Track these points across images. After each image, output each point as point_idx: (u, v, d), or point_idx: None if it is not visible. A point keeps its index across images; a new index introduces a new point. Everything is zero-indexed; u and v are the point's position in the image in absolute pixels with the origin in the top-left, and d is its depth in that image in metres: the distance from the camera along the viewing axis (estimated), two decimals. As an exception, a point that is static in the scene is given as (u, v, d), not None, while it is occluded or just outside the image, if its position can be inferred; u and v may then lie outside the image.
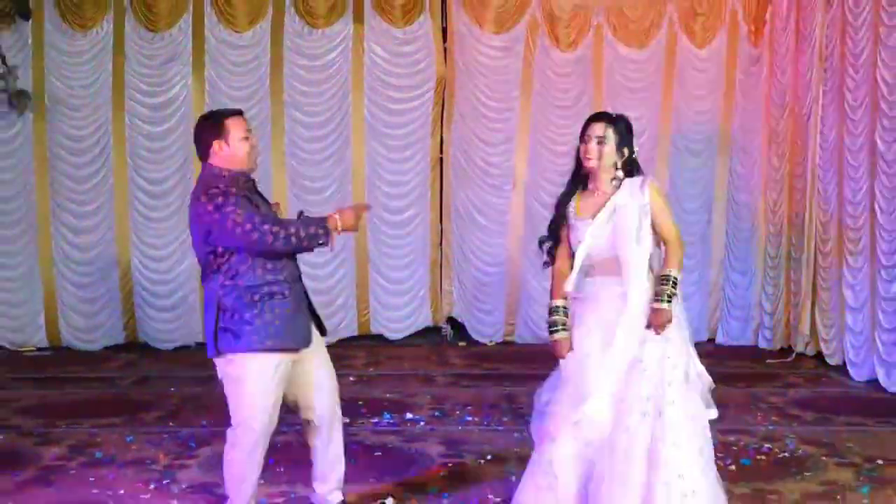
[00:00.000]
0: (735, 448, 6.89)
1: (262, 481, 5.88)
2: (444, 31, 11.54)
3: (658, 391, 4.73)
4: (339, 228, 4.81)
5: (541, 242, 5.22)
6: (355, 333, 11.55)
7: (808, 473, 6.31)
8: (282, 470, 6.19)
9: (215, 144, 4.88)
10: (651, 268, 4.89)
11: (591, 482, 4.75)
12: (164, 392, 8.93)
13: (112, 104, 11.18)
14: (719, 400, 8.16)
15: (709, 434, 4.90)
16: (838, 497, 5.83)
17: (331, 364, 5.19)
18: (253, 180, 5.06)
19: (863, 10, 9.21)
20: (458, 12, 11.47)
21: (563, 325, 4.97)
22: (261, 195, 5.05)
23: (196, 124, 5.07)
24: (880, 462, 6.44)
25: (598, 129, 4.91)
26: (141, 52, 11.17)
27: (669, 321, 4.75)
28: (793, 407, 8.19)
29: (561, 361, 4.97)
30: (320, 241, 4.79)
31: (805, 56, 10.33)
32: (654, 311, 4.75)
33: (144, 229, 11.27)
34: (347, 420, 7.34)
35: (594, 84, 11.54)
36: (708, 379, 4.98)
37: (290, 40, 11.31)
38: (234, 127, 4.90)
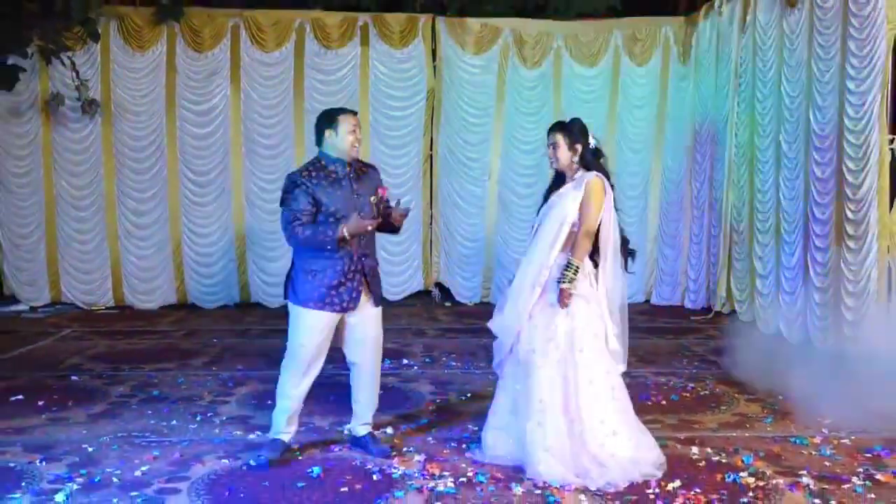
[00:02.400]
0: (665, 387, 6.91)
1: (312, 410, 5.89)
2: (434, 52, 11.50)
3: (569, 357, 4.78)
4: (347, 235, 4.84)
5: None
6: (362, 295, 11.55)
7: (723, 407, 6.34)
8: (334, 403, 6.19)
9: (327, 132, 5.02)
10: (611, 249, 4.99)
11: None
12: (209, 342, 8.91)
13: (165, 111, 11.13)
14: (653, 350, 8.23)
15: (621, 383, 4.93)
16: (747, 425, 5.86)
17: (376, 326, 5.16)
18: (353, 165, 5.07)
19: (770, 36, 9.20)
20: (445, 37, 11.45)
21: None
22: (358, 180, 5.03)
23: (318, 116, 5.15)
24: (781, 398, 6.46)
25: (551, 137, 5.04)
26: (189, 69, 11.12)
27: (569, 297, 4.77)
28: (712, 354, 8.21)
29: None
30: (327, 246, 4.87)
31: (723, 72, 10.31)
32: (560, 291, 4.79)
33: (192, 212, 11.25)
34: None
35: (554, 96, 11.55)
36: (616, 345, 4.95)
37: (309, 59, 11.27)
38: (343, 121, 4.99)
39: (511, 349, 4.99)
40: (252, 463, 4.99)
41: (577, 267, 4.79)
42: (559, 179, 5.09)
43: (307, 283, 4.95)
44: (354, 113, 5.11)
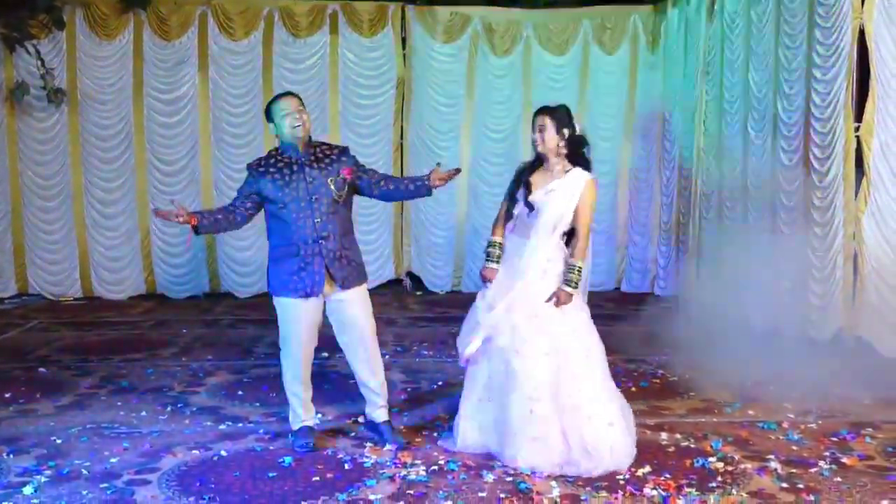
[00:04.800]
0: (636, 374, 6.96)
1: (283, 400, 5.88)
2: (404, 40, 11.48)
3: (568, 345, 4.77)
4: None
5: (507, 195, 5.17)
6: (333, 285, 11.49)
7: (692, 393, 6.38)
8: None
9: (270, 126, 5.05)
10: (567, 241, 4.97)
11: (500, 423, 4.83)
12: (178, 333, 8.86)
13: (133, 100, 11.04)
14: (624, 336, 8.26)
15: (608, 371, 4.94)
16: (716, 411, 5.92)
17: (353, 309, 5.08)
18: (312, 149, 5.05)
19: (738, 25, 9.24)
20: (414, 25, 11.43)
21: (497, 258, 5.07)
22: (315, 164, 5.00)
23: None
24: (748, 384, 6.51)
25: (539, 120, 4.95)
26: (156, 57, 11.03)
27: (569, 302, 4.81)
28: (682, 341, 8.25)
29: (479, 293, 5.10)
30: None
31: (692, 61, 10.36)
32: (562, 292, 4.81)
33: (160, 201, 11.12)
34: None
35: (524, 84, 11.55)
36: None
37: (278, 48, 11.21)
38: (276, 109, 4.98)
39: (489, 338, 4.93)
40: (297, 450, 5.02)
41: (580, 268, 4.85)
42: (536, 162, 5.05)
43: (274, 271, 5.03)
44: (292, 94, 5.07)
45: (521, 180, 5.03)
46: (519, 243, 4.98)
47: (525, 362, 4.74)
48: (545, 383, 4.71)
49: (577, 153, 4.97)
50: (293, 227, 4.93)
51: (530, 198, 4.93)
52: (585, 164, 4.98)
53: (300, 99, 5.08)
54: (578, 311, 4.90)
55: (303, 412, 5.17)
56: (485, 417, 4.96)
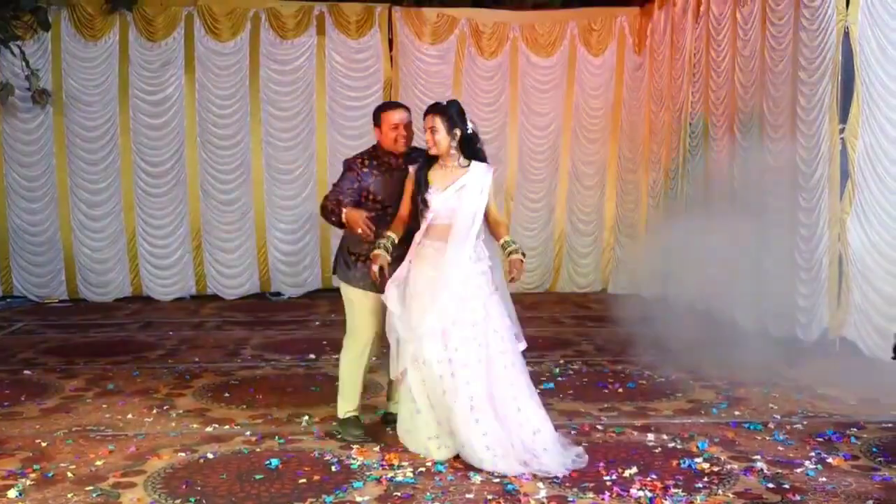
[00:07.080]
0: (623, 375, 6.97)
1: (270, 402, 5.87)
2: (391, 42, 11.49)
3: (486, 341, 4.76)
4: (343, 219, 4.94)
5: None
6: (320, 287, 11.46)
7: (679, 394, 6.40)
8: (291, 394, 6.15)
9: (375, 130, 5.25)
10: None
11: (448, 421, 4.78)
12: (164, 335, 8.83)
13: (118, 101, 11.02)
14: (610, 338, 8.27)
15: (528, 378, 4.95)
16: (702, 412, 5.93)
17: None
18: (407, 156, 5.16)
19: (724, 26, 9.28)
20: (401, 27, 11.44)
21: (386, 249, 4.87)
22: (406, 167, 5.10)
23: None
24: (735, 385, 6.52)
25: (428, 120, 4.93)
26: (142, 58, 11.01)
27: (524, 268, 4.84)
28: (668, 342, 8.26)
29: (390, 304, 4.93)
30: (331, 218, 5.03)
31: (678, 63, 10.38)
32: (517, 262, 4.78)
33: (146, 203, 11.15)
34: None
35: (511, 85, 11.59)
36: (517, 326, 5.01)
37: (265, 49, 11.20)
38: (385, 119, 5.17)
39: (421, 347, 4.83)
40: (350, 440, 5.17)
41: (513, 240, 4.90)
42: (432, 159, 4.98)
43: (353, 264, 5.19)
44: (401, 107, 5.26)
45: (419, 181, 4.95)
46: (438, 248, 4.85)
47: (461, 372, 4.71)
48: (482, 392, 4.69)
49: (472, 150, 4.95)
50: (380, 228, 4.99)
51: (438, 195, 4.86)
52: (481, 159, 4.97)
53: (409, 111, 5.26)
54: (503, 317, 4.87)
55: (358, 402, 5.31)
56: (428, 429, 4.89)
